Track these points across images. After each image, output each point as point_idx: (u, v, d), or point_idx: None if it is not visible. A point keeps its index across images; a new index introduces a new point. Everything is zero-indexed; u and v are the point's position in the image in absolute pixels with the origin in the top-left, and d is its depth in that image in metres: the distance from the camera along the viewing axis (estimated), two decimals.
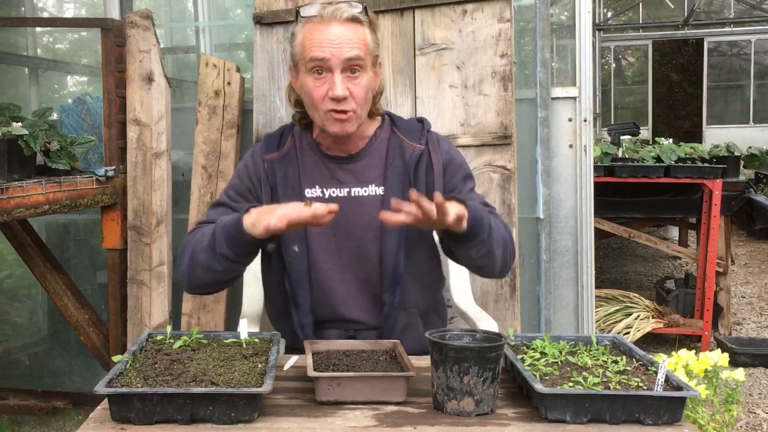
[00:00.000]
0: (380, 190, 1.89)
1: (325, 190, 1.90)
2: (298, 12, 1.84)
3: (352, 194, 1.90)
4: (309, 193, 1.90)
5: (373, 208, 1.86)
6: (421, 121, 2.00)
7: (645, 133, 12.47)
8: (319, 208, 1.60)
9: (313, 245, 1.88)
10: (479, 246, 1.71)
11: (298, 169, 1.92)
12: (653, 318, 4.61)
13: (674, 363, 1.87)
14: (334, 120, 1.80)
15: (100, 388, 1.27)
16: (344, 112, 1.79)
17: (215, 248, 1.72)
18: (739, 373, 1.94)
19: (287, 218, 1.61)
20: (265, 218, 1.64)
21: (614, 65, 15.49)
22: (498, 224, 1.81)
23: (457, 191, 1.91)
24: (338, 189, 1.90)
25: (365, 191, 1.90)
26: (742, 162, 5.92)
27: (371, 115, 1.94)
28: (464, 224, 1.62)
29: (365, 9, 1.82)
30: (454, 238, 1.69)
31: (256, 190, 1.93)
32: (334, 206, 1.62)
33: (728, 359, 1.94)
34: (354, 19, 1.79)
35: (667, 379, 1.36)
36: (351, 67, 1.78)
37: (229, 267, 1.75)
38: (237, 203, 1.90)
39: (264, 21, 2.81)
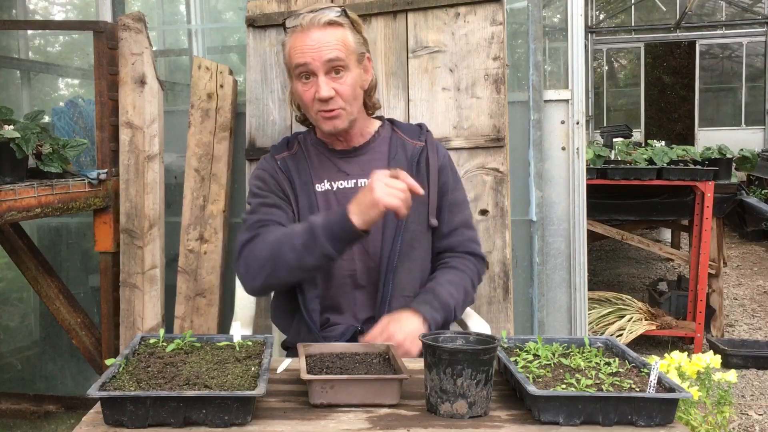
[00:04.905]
0: None
1: (333, 183, 2.00)
2: (284, 24, 1.96)
3: (359, 185, 1.98)
4: (319, 187, 1.99)
5: None
6: (420, 125, 2.13)
7: (637, 135, 12.51)
8: (408, 178, 1.74)
9: None
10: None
11: (308, 165, 2.02)
12: (646, 320, 4.62)
13: (667, 365, 1.88)
14: (324, 119, 1.92)
15: (93, 391, 1.27)
16: (332, 110, 1.90)
17: (315, 249, 1.78)
18: (732, 375, 1.94)
19: (387, 191, 1.71)
20: (368, 209, 1.73)
21: (606, 68, 15.54)
22: (459, 289, 1.98)
23: (449, 194, 2.04)
24: (345, 181, 2.00)
25: None
26: (734, 164, 5.94)
27: (369, 109, 2.05)
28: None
29: (344, 11, 1.92)
30: None
31: (281, 185, 2.00)
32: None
33: (720, 361, 1.94)
34: (332, 23, 1.90)
35: (660, 381, 1.36)
36: (334, 68, 1.89)
37: (324, 265, 1.85)
38: (283, 203, 1.98)
39: (257, 24, 2.81)
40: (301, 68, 1.89)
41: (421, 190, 1.74)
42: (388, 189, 1.71)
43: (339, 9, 1.92)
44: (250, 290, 1.96)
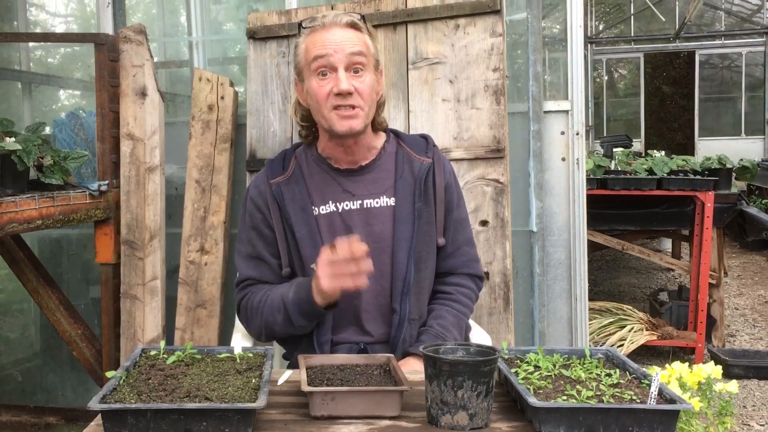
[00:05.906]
0: (391, 201, 1.94)
1: (338, 204, 1.93)
2: (300, 25, 1.91)
3: (365, 206, 1.93)
4: (322, 209, 1.93)
5: (386, 218, 1.92)
6: (425, 137, 2.06)
7: (637, 145, 12.53)
8: (343, 246, 1.69)
9: None
10: None
11: (306, 188, 1.95)
12: (647, 330, 4.62)
13: (668, 375, 1.88)
14: (341, 117, 1.84)
15: (94, 404, 1.27)
16: (351, 107, 1.83)
17: (293, 323, 1.85)
18: (733, 386, 1.94)
19: (332, 275, 1.72)
20: (328, 295, 1.77)
21: (606, 78, 15.57)
22: (461, 332, 1.99)
23: (454, 211, 2.01)
24: (351, 202, 1.93)
25: (377, 203, 1.94)
26: (733, 174, 5.95)
27: (376, 127, 1.99)
28: None
29: (363, 18, 1.90)
30: None
31: (267, 219, 1.96)
32: (358, 243, 1.69)
33: (722, 371, 1.93)
34: (353, 25, 1.87)
35: (661, 392, 1.36)
36: (354, 65, 1.83)
37: (308, 329, 1.89)
38: (263, 247, 1.97)
39: (257, 36, 2.82)
40: (320, 60, 1.82)
41: (364, 249, 1.69)
42: (335, 273, 1.72)
43: (359, 15, 1.90)
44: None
